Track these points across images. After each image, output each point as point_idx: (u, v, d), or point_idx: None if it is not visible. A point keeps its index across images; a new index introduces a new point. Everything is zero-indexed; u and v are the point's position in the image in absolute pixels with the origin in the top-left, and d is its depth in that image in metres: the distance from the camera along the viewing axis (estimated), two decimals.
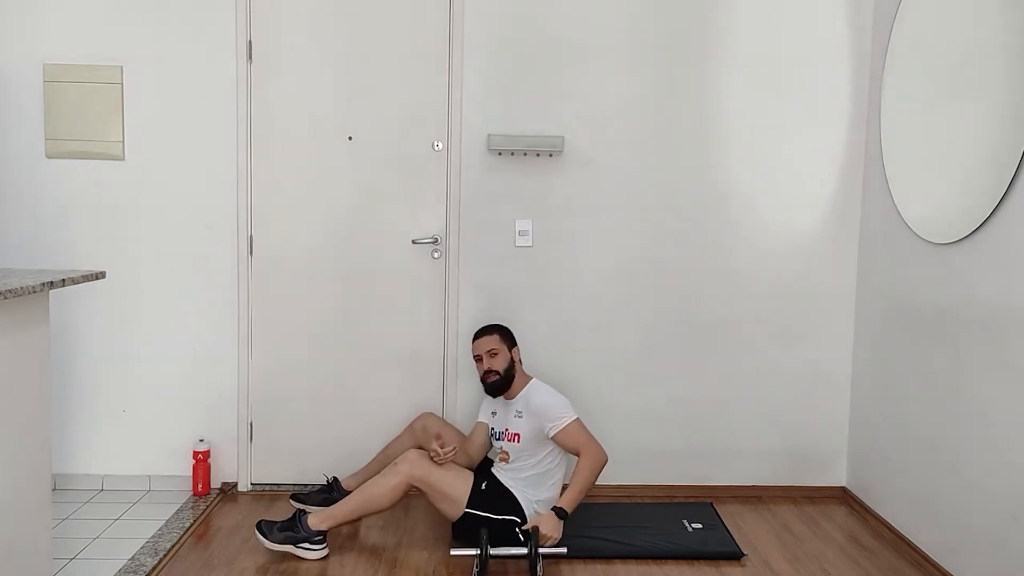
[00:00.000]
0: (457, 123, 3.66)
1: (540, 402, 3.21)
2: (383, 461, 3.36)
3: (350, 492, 3.22)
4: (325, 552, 3.07)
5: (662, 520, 3.46)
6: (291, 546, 3.04)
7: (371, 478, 3.19)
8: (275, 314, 3.72)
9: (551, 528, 3.01)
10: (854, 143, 3.73)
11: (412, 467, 3.06)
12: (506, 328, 3.40)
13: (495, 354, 3.27)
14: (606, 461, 3.17)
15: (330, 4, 3.64)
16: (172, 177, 3.65)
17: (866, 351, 3.69)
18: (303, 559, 3.04)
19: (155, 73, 3.61)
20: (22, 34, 3.57)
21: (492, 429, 3.34)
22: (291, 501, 3.46)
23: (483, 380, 3.32)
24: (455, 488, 3.09)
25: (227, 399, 3.73)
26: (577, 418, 3.19)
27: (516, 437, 3.22)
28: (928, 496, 3.14)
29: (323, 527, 3.05)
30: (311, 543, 3.05)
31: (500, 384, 3.27)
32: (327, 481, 3.49)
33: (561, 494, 3.22)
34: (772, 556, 3.20)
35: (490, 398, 3.37)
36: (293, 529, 3.04)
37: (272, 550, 3.05)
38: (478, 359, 3.33)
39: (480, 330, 3.40)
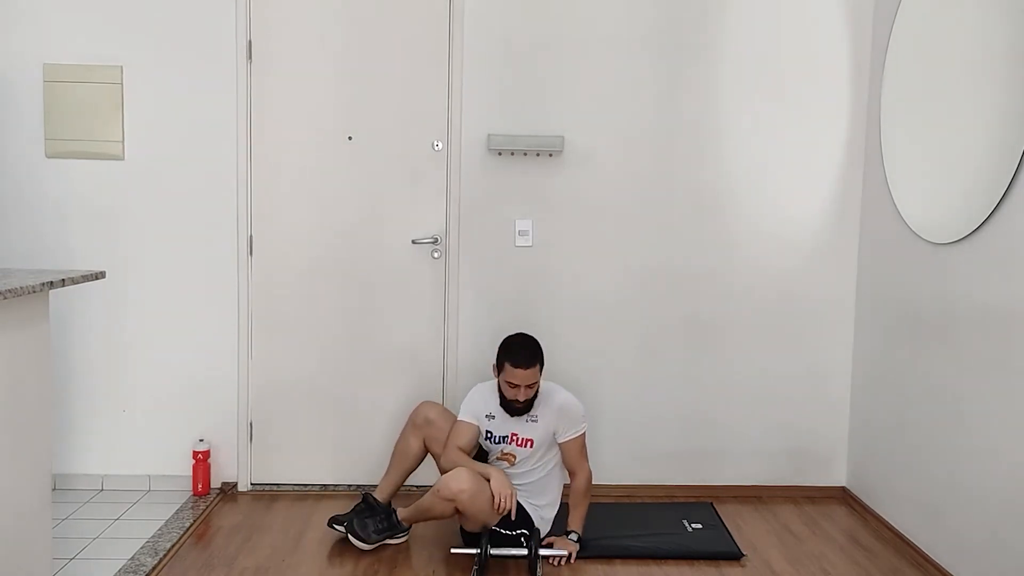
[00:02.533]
0: (457, 123, 3.67)
1: (563, 402, 3.14)
2: (400, 464, 3.29)
3: (388, 503, 3.26)
4: (408, 536, 3.26)
5: (662, 520, 3.46)
6: (388, 539, 3.20)
7: (395, 480, 3.30)
8: (275, 314, 3.72)
9: (573, 550, 3.10)
10: (854, 143, 3.73)
11: (462, 496, 2.95)
12: (542, 351, 3.14)
13: (532, 386, 3.08)
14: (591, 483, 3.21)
15: (330, 4, 3.64)
16: (172, 177, 3.65)
17: (866, 351, 3.69)
18: (396, 544, 3.22)
19: (155, 73, 3.61)
20: (22, 34, 3.57)
21: (489, 432, 3.18)
22: (333, 527, 3.23)
23: (507, 402, 3.11)
24: (490, 519, 3.05)
25: (227, 399, 3.73)
26: (584, 432, 3.18)
27: (529, 443, 3.14)
28: (928, 496, 3.14)
29: (407, 524, 3.22)
30: (402, 532, 3.23)
31: (523, 411, 3.12)
32: (363, 496, 3.28)
33: (558, 500, 3.23)
34: (772, 556, 3.20)
35: (487, 398, 3.20)
36: (391, 529, 3.19)
37: (366, 550, 3.16)
38: (513, 386, 3.07)
39: (523, 358, 3.06)
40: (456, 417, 3.25)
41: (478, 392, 3.25)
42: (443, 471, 3.12)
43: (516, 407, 3.10)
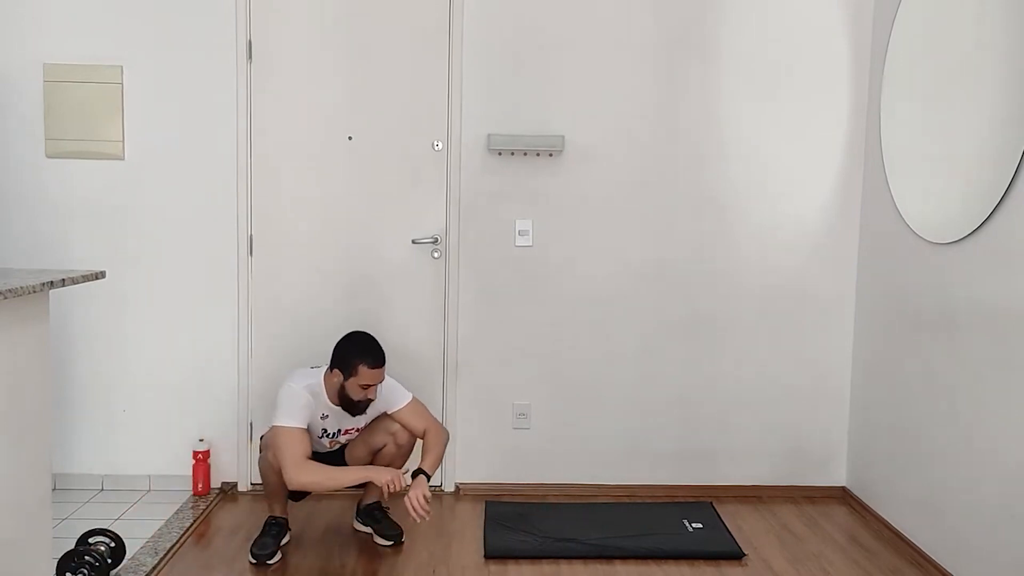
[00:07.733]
0: (457, 123, 3.67)
1: (385, 388, 3.12)
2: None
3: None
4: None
5: (662, 520, 3.46)
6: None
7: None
8: (274, 314, 3.72)
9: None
10: (854, 143, 3.73)
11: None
12: None
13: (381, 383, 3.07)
14: (448, 438, 3.23)
15: (330, 4, 3.64)
16: (172, 177, 3.65)
17: (866, 351, 3.69)
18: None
19: (155, 73, 3.61)
20: (22, 34, 3.57)
21: (324, 431, 3.11)
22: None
23: (353, 403, 3.02)
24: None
25: (227, 399, 3.73)
26: (414, 396, 3.19)
27: (355, 430, 3.18)
28: (928, 496, 3.14)
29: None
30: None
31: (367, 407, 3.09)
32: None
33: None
34: (772, 556, 3.20)
35: (316, 398, 3.03)
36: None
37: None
38: (366, 387, 2.99)
39: (378, 356, 3.01)
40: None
41: (300, 394, 3.01)
42: (297, 486, 2.96)
43: (363, 407, 3.04)
